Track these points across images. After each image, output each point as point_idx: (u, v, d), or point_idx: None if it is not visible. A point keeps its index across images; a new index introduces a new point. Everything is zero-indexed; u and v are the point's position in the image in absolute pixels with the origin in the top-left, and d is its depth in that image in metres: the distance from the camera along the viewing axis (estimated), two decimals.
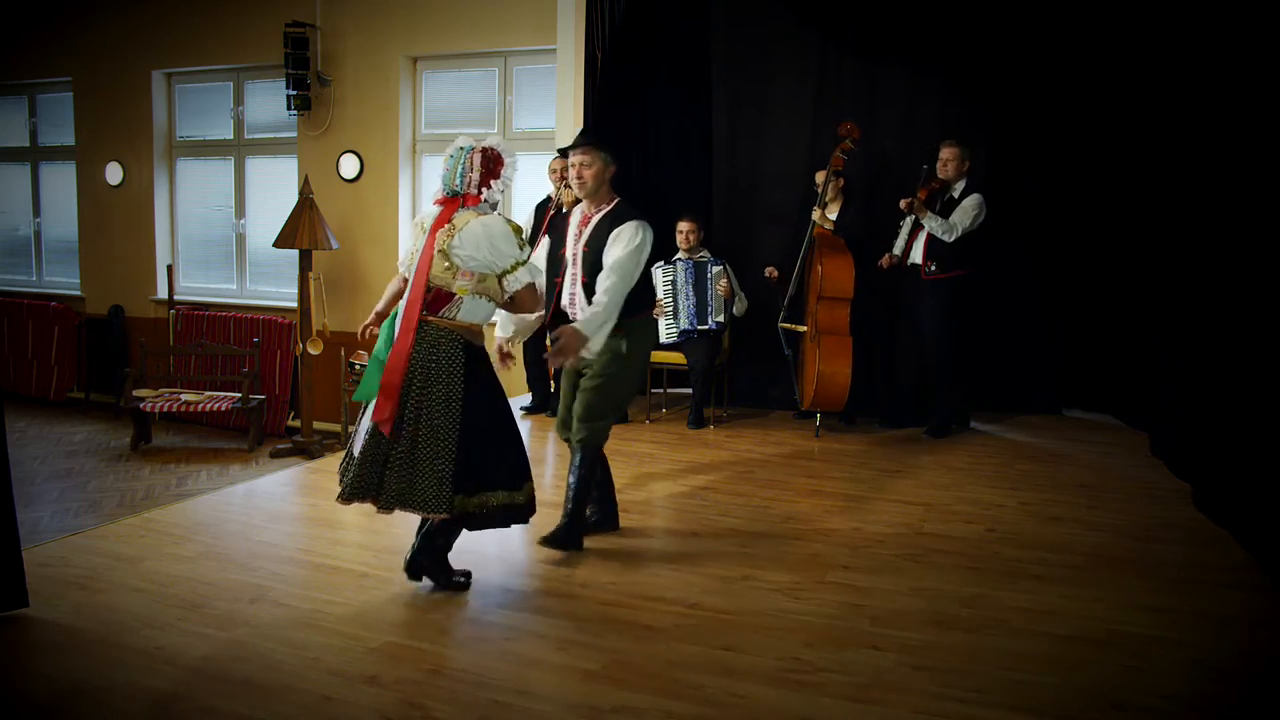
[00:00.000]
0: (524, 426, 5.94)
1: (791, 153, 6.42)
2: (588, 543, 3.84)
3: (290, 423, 8.71)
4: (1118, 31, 5.73)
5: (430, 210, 3.31)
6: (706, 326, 5.94)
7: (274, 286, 9.24)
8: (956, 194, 5.60)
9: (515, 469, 3.31)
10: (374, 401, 3.18)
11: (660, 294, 5.91)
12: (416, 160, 8.50)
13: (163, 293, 9.42)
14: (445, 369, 3.16)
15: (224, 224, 9.47)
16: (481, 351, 3.27)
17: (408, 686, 2.68)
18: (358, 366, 7.89)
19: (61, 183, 10.19)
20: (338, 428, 8.17)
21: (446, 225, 3.19)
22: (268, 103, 9.03)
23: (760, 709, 2.59)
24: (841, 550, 3.83)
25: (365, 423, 3.23)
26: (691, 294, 5.95)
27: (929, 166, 5.64)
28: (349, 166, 8.49)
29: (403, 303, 3.23)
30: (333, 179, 8.47)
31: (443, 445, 3.13)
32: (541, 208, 6.26)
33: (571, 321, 3.58)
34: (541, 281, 3.52)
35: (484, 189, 3.23)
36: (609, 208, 3.71)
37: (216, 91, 9.35)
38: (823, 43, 6.37)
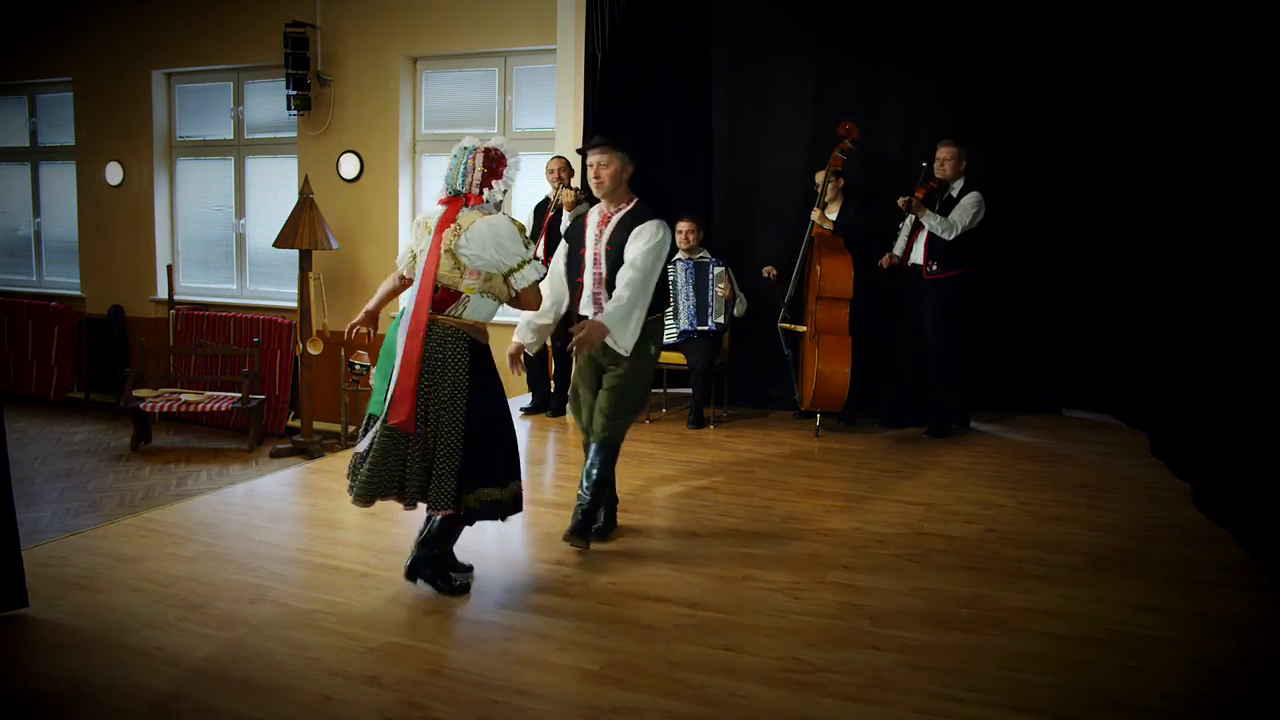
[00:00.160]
0: (524, 426, 5.95)
1: (791, 153, 6.42)
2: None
3: (290, 423, 8.72)
4: (1117, 32, 5.73)
5: (434, 210, 3.32)
6: (706, 327, 5.94)
7: (274, 286, 9.24)
8: (955, 193, 5.60)
9: (511, 464, 3.35)
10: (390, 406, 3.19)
11: None
12: (416, 160, 8.50)
13: (163, 293, 9.43)
14: (452, 366, 3.19)
15: (224, 224, 9.48)
16: (486, 349, 3.30)
17: (408, 686, 2.68)
18: (357, 366, 7.89)
19: (61, 183, 10.19)
20: (338, 428, 8.17)
21: (452, 225, 3.21)
22: (268, 103, 9.04)
23: (760, 709, 2.59)
24: (841, 550, 3.82)
25: (375, 425, 3.25)
26: (692, 294, 5.95)
27: (927, 165, 5.64)
28: (349, 166, 8.49)
29: (409, 304, 3.23)
30: (333, 179, 8.47)
31: (450, 442, 3.17)
32: (541, 208, 6.27)
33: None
34: (554, 279, 3.60)
35: (485, 189, 3.24)
36: (628, 207, 3.76)
37: (216, 91, 9.36)
38: (823, 43, 6.37)
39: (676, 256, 6.03)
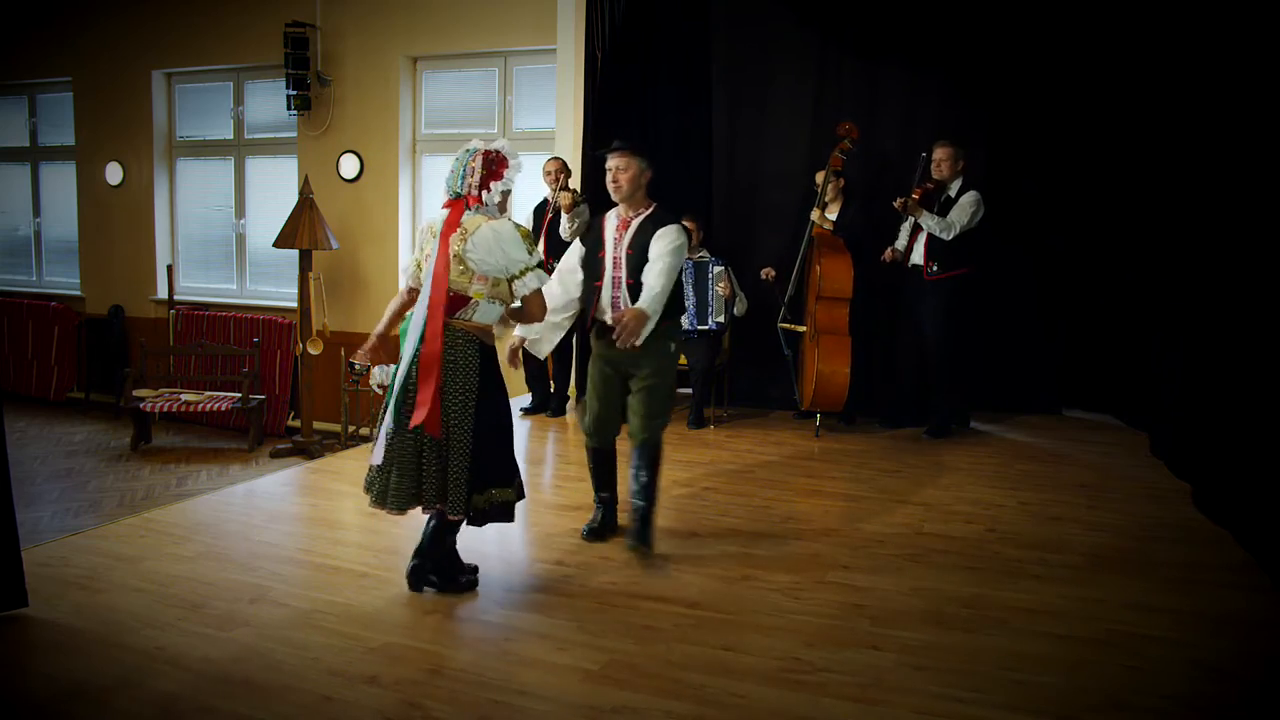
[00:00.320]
0: (524, 426, 5.94)
1: (791, 153, 6.42)
2: (588, 543, 3.87)
3: (290, 423, 8.72)
4: (1117, 32, 5.73)
5: (438, 214, 3.33)
6: (707, 327, 5.94)
7: (274, 286, 9.24)
8: (953, 193, 5.60)
9: (513, 465, 3.37)
10: (413, 410, 3.18)
11: None
12: (416, 160, 8.50)
13: (163, 293, 9.43)
14: (464, 370, 3.21)
15: (224, 224, 9.48)
16: (493, 351, 3.33)
17: (408, 686, 2.68)
18: (357, 366, 7.87)
19: (61, 183, 10.19)
20: (338, 428, 8.17)
21: (458, 229, 3.21)
22: (268, 103, 9.03)
23: (760, 709, 2.59)
24: (841, 550, 3.83)
25: (384, 430, 3.24)
26: (692, 294, 5.94)
27: (926, 155, 5.64)
28: (349, 166, 8.49)
29: (421, 309, 3.23)
30: (333, 179, 8.47)
31: (461, 445, 3.20)
32: (540, 210, 6.26)
33: (611, 327, 3.64)
34: (565, 275, 3.66)
35: (484, 190, 3.25)
36: (647, 212, 3.77)
37: (216, 91, 9.36)
38: (823, 43, 6.37)
39: None
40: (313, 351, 7.96)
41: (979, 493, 4.63)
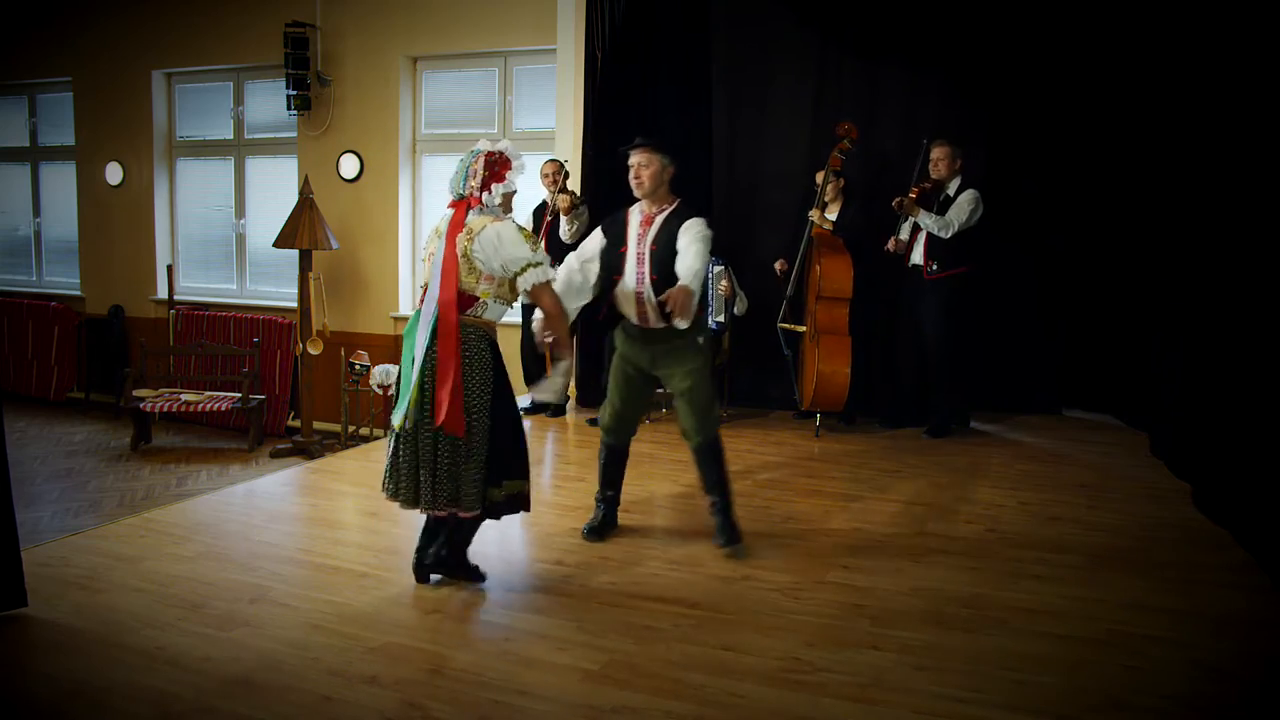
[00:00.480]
0: (523, 426, 5.92)
1: (791, 153, 6.42)
2: (588, 543, 3.87)
3: (290, 423, 8.71)
4: (1117, 32, 5.73)
5: (444, 215, 3.35)
6: (707, 326, 5.93)
7: (274, 286, 9.24)
8: (952, 192, 5.60)
9: (525, 459, 3.41)
10: (433, 409, 3.20)
11: None
12: (416, 160, 8.50)
13: (163, 293, 9.43)
14: (477, 366, 3.24)
15: (224, 224, 9.47)
16: (498, 347, 3.36)
17: (408, 686, 2.68)
18: (357, 366, 7.89)
19: (61, 183, 10.19)
20: (338, 428, 8.17)
21: (464, 229, 3.24)
22: (268, 103, 9.03)
23: (760, 709, 2.59)
24: (841, 550, 3.83)
25: (393, 429, 3.29)
26: None
27: (922, 165, 5.64)
28: (349, 166, 8.49)
29: (430, 307, 3.23)
30: (333, 179, 8.47)
31: (479, 441, 3.23)
32: (540, 211, 6.26)
33: (639, 326, 3.70)
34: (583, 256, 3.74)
35: (486, 191, 3.27)
36: (671, 208, 3.77)
37: (216, 91, 9.35)
38: (823, 43, 6.37)
39: None
40: (313, 351, 7.96)
41: (979, 493, 4.63)
